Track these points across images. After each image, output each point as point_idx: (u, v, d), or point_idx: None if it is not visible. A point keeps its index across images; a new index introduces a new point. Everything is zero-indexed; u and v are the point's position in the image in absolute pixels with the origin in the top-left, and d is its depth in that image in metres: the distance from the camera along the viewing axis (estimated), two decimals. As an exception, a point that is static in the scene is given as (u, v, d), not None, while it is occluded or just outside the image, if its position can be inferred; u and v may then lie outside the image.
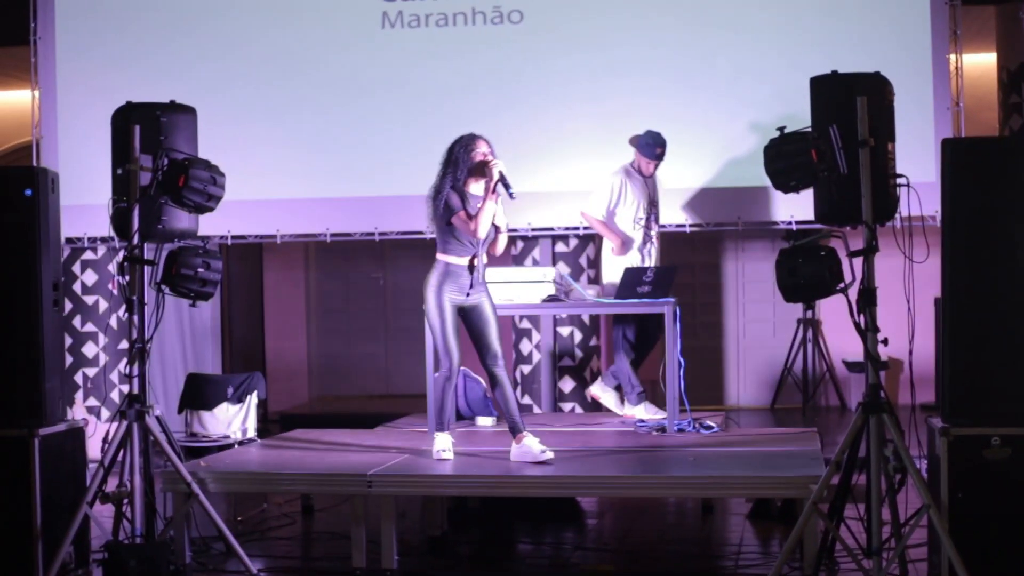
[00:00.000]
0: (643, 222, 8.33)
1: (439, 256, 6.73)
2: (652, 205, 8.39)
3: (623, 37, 9.32)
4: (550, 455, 6.44)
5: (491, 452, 6.83)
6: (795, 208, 8.58)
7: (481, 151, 6.64)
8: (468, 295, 6.71)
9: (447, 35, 9.53)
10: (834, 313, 11.68)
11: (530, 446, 6.48)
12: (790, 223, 8.96)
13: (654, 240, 8.42)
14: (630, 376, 8.26)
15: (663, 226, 8.93)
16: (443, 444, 6.62)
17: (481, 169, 6.63)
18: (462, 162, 6.65)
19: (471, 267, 6.70)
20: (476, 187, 6.69)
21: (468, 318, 6.77)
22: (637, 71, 9.29)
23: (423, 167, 8.36)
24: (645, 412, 8.19)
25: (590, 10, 9.38)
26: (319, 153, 9.66)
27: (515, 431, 6.58)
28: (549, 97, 9.40)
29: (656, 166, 8.36)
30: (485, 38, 9.49)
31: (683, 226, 9.24)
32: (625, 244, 8.28)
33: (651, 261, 8.36)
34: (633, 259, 8.26)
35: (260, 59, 9.74)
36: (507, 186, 6.57)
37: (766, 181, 5.54)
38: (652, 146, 8.26)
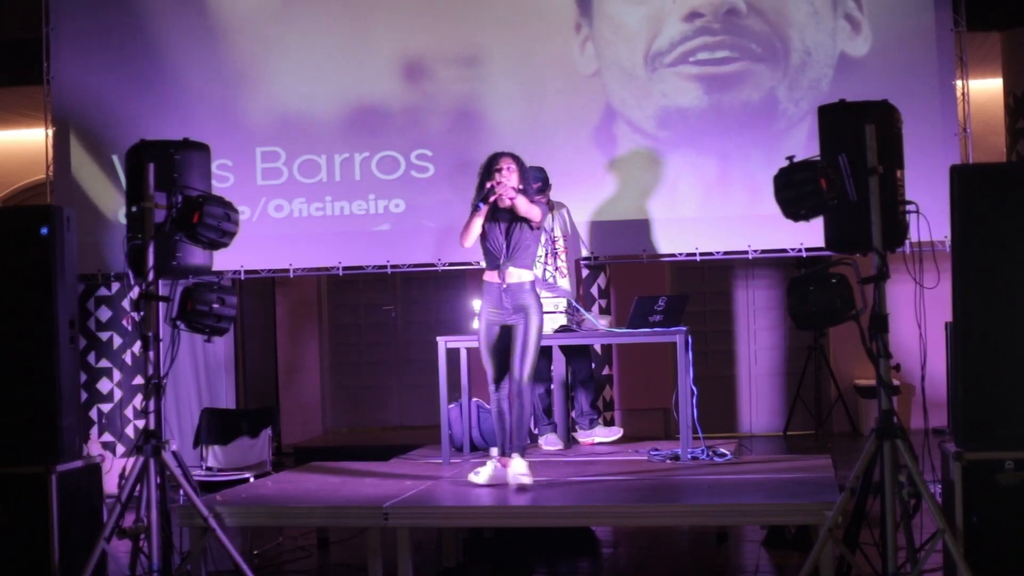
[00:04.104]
0: (542, 259, 8.42)
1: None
2: (554, 240, 8.48)
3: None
4: (525, 481, 6.62)
5: (505, 483, 6.85)
6: (805, 235, 8.60)
7: (498, 169, 6.88)
8: (503, 314, 6.90)
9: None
10: (844, 339, 11.70)
11: (510, 470, 6.68)
12: (800, 251, 8.98)
13: (563, 272, 8.49)
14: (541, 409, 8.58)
15: (674, 255, 9.01)
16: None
17: (491, 193, 6.86)
18: (480, 180, 6.96)
19: (501, 281, 6.91)
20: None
21: (505, 338, 6.95)
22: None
23: (436, 202, 8.49)
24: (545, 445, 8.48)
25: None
26: (332, 186, 9.72)
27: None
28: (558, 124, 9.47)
29: (545, 200, 8.40)
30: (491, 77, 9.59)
31: (693, 255, 9.26)
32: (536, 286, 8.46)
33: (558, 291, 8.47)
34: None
35: (269, 91, 9.81)
36: (484, 200, 6.81)
37: (776, 209, 5.57)
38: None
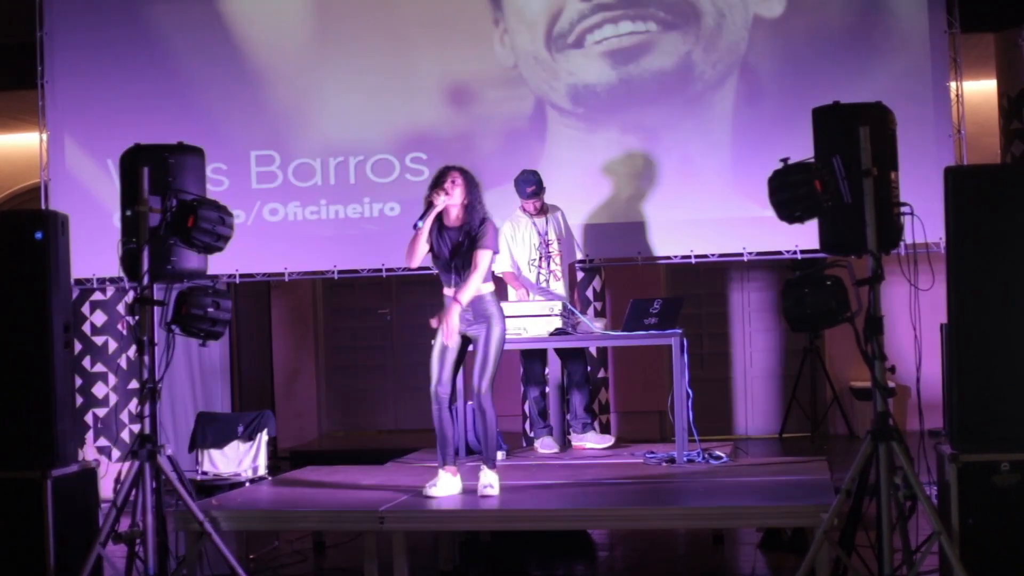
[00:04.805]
0: (536, 262, 8.42)
1: None
2: (548, 243, 8.49)
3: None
4: (491, 493, 6.57)
5: (501, 486, 6.82)
6: (800, 238, 8.60)
7: (441, 185, 6.68)
8: (464, 323, 6.73)
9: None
10: (840, 341, 11.71)
11: (481, 480, 6.63)
12: (795, 253, 8.99)
13: (556, 275, 8.52)
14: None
15: (669, 257, 9.03)
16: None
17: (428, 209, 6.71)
18: (428, 193, 6.77)
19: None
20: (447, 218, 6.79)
21: (462, 346, 6.84)
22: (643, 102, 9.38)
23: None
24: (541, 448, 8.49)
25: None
26: (326, 189, 9.72)
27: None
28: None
29: (538, 204, 8.46)
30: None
31: (688, 257, 9.27)
32: (529, 290, 8.51)
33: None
34: (532, 298, 8.45)
35: (264, 98, 9.82)
36: (421, 218, 6.65)
37: (770, 211, 5.57)
38: (523, 185, 8.46)
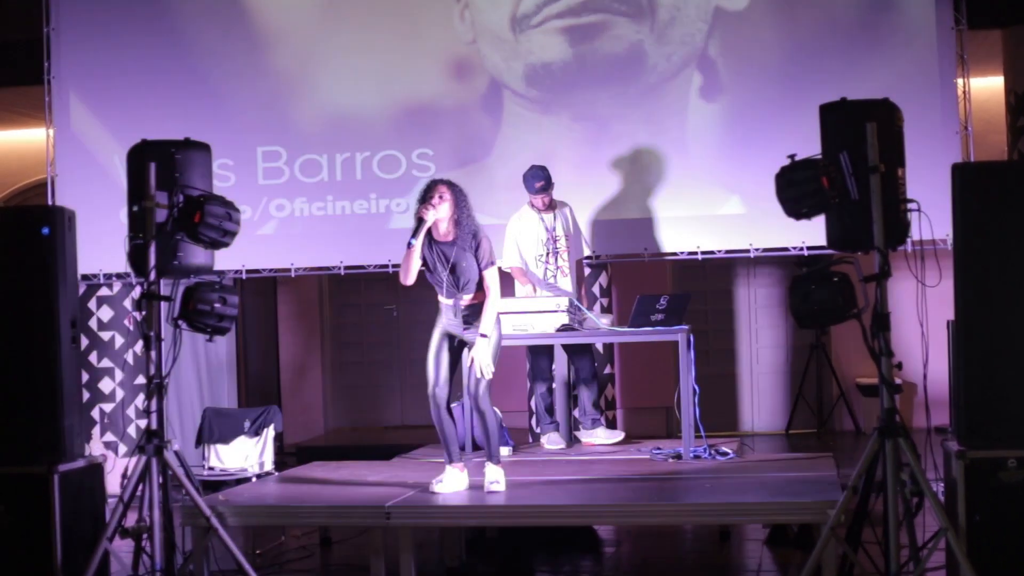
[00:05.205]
0: (543, 258, 8.42)
1: None
2: (556, 239, 8.50)
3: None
4: (498, 489, 6.59)
5: (508, 482, 6.83)
6: (806, 234, 8.58)
7: (428, 200, 6.65)
8: (462, 327, 6.77)
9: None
10: (846, 337, 11.70)
11: (487, 477, 6.65)
12: (802, 249, 8.97)
13: (564, 271, 8.54)
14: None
15: (675, 254, 9.04)
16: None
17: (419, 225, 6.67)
18: (417, 209, 6.72)
19: (454, 308, 6.77)
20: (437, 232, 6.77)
21: (458, 348, 6.87)
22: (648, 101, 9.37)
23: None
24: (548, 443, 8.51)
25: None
26: (333, 185, 9.73)
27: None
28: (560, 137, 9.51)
29: (547, 199, 8.46)
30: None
31: (695, 253, 9.26)
32: (536, 285, 8.51)
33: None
34: (538, 294, 8.46)
35: (270, 95, 9.82)
36: (413, 236, 6.60)
37: (778, 207, 5.57)
38: (532, 181, 8.46)
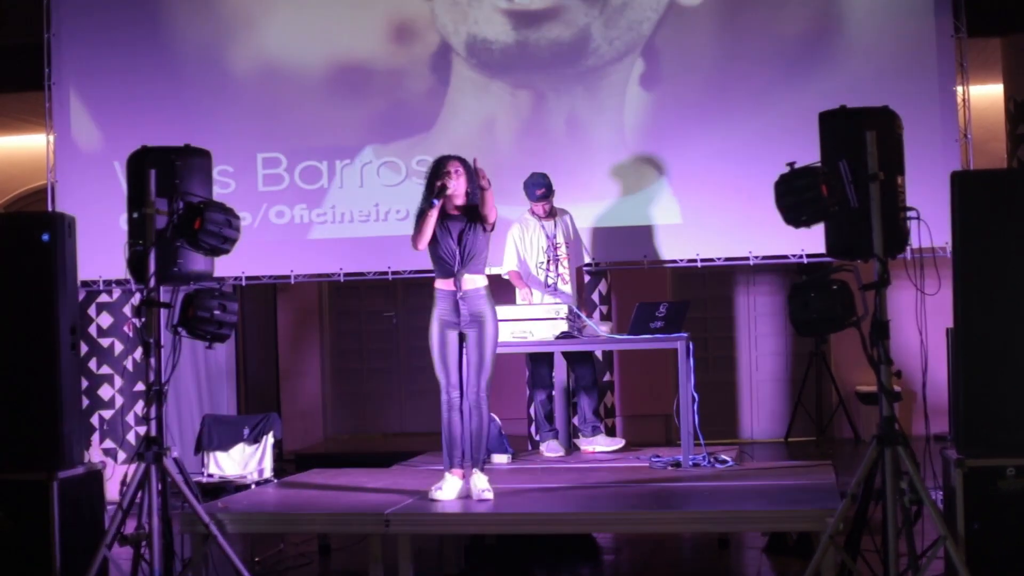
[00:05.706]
0: (543, 265, 8.43)
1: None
2: (556, 246, 8.51)
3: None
4: (488, 496, 6.55)
5: (507, 489, 6.84)
6: (806, 242, 8.59)
7: (446, 172, 6.68)
8: (459, 321, 6.71)
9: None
10: (846, 345, 11.69)
11: (473, 485, 6.61)
12: (801, 257, 8.98)
13: (564, 278, 8.53)
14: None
15: (675, 261, 9.05)
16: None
17: (443, 191, 6.67)
18: (428, 182, 6.74)
19: (456, 289, 6.69)
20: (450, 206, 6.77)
21: (461, 345, 6.81)
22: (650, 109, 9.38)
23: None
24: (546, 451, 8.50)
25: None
26: (333, 192, 9.73)
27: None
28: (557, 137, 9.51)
29: (548, 206, 8.46)
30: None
31: (695, 261, 9.26)
32: (534, 291, 8.52)
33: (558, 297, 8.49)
34: (537, 299, 8.45)
35: (269, 100, 9.83)
36: (437, 196, 6.63)
37: (777, 215, 5.57)
38: (532, 188, 8.45)
